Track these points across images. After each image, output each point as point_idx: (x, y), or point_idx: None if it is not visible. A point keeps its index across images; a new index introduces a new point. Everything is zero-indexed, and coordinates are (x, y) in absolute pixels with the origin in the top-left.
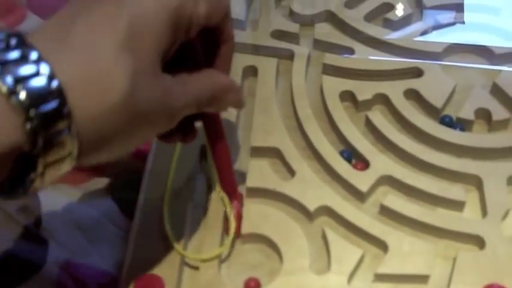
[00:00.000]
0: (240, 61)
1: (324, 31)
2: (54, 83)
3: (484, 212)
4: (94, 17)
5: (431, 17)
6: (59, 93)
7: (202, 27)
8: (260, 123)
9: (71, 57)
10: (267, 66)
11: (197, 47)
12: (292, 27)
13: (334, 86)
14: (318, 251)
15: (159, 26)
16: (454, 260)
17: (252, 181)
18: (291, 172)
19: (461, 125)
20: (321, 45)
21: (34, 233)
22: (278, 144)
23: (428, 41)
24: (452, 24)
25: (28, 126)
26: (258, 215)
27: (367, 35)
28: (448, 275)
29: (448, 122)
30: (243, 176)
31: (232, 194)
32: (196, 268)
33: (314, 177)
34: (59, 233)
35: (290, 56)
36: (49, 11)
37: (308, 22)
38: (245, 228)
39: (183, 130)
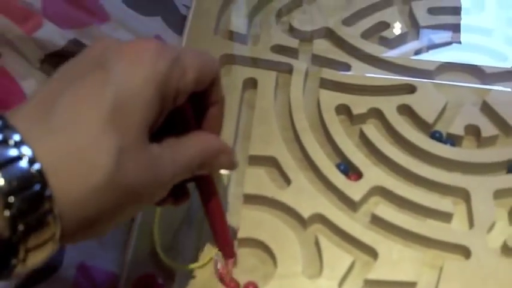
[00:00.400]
0: (241, 73)
1: (322, 47)
2: (36, 166)
3: (471, 224)
4: (77, 94)
5: (426, 36)
6: (41, 177)
7: (190, 94)
8: (258, 133)
9: (53, 138)
10: (267, 79)
11: (186, 111)
12: (292, 42)
13: (330, 99)
14: (311, 257)
15: (146, 100)
16: (441, 268)
17: (249, 188)
18: (287, 181)
19: (452, 140)
20: (319, 61)
21: None
22: (275, 154)
23: (421, 59)
24: (447, 43)
25: (7, 213)
26: (254, 221)
27: (363, 51)
28: (435, 282)
29: (438, 137)
30: (240, 183)
31: (228, 253)
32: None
33: (309, 187)
34: None
35: (289, 70)
36: (64, 19)
37: (307, 38)
38: (241, 233)
39: (174, 194)
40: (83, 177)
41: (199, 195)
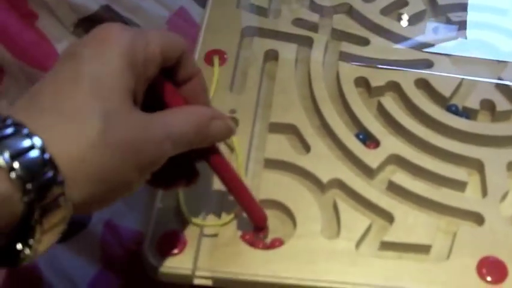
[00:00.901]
0: (262, 45)
1: (342, 22)
2: (46, 155)
3: (485, 193)
4: (56, 82)
5: (444, 15)
6: (51, 165)
7: (162, 65)
8: (279, 101)
9: (48, 120)
10: (287, 50)
11: (168, 90)
12: (312, 16)
13: (349, 72)
14: (329, 219)
15: (117, 69)
16: (455, 234)
17: (269, 153)
18: (306, 148)
19: (467, 113)
20: (338, 35)
21: None
22: (295, 122)
23: (438, 35)
24: (464, 22)
25: (25, 199)
26: (275, 184)
27: (382, 27)
28: (449, 247)
29: (455, 111)
30: (261, 149)
31: (259, 225)
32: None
33: (328, 153)
34: None
35: (309, 43)
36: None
37: (327, 13)
38: (262, 195)
39: (185, 174)
40: (78, 140)
41: (217, 176)
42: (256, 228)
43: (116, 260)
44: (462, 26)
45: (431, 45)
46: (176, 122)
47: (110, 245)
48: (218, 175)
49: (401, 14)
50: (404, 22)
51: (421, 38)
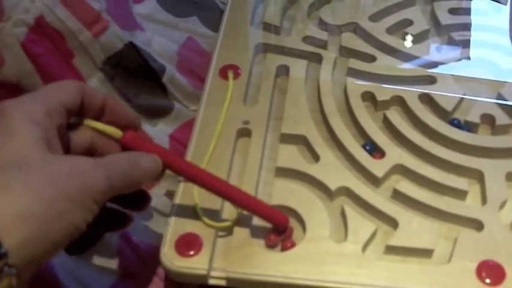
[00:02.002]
0: (274, 61)
1: (350, 40)
2: None
3: (484, 201)
4: None
5: (446, 34)
6: None
7: (70, 113)
8: (290, 114)
9: None
10: (298, 66)
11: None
12: (322, 34)
13: (356, 87)
14: (337, 224)
15: (22, 128)
16: (455, 240)
17: (281, 162)
18: (316, 157)
19: (468, 127)
20: (346, 52)
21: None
22: (305, 133)
23: (442, 54)
24: (466, 41)
25: None
26: (286, 190)
27: (388, 45)
28: (450, 251)
29: (457, 124)
30: (273, 158)
31: (280, 226)
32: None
33: (336, 163)
34: None
35: (319, 59)
36: (121, 20)
37: (336, 31)
38: (273, 201)
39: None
40: (8, 207)
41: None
42: (279, 231)
43: (132, 270)
44: (464, 45)
45: (434, 62)
46: (109, 157)
47: (126, 256)
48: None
49: (407, 33)
50: (408, 42)
51: (424, 56)
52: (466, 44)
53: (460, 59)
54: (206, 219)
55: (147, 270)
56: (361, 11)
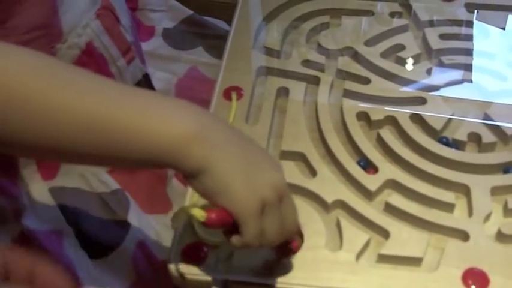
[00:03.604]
0: (274, 83)
1: (346, 63)
2: None
3: (470, 214)
4: None
5: (437, 58)
6: None
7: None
8: (289, 132)
9: None
10: (297, 88)
11: None
12: (319, 58)
13: (352, 107)
14: (332, 234)
15: None
16: (443, 248)
17: None
18: (313, 173)
19: (456, 145)
20: (343, 75)
21: (120, 218)
22: (303, 150)
23: (432, 76)
24: (455, 64)
25: None
26: None
27: (381, 68)
28: (438, 260)
29: (445, 142)
30: None
31: (290, 250)
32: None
33: (332, 177)
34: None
35: (316, 81)
36: (139, 50)
37: (333, 55)
38: None
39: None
40: None
41: None
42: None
43: (146, 277)
44: (454, 68)
45: (425, 84)
46: None
47: (140, 263)
48: None
49: (401, 57)
50: (409, 66)
51: (416, 78)
52: (455, 67)
53: (449, 81)
54: (201, 233)
55: (159, 278)
56: (357, 36)
